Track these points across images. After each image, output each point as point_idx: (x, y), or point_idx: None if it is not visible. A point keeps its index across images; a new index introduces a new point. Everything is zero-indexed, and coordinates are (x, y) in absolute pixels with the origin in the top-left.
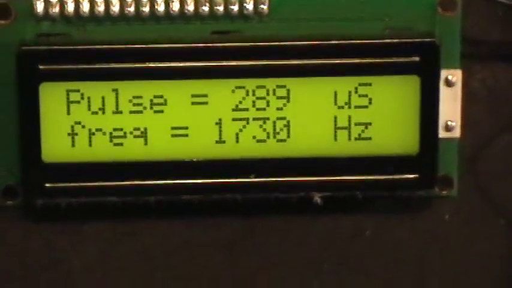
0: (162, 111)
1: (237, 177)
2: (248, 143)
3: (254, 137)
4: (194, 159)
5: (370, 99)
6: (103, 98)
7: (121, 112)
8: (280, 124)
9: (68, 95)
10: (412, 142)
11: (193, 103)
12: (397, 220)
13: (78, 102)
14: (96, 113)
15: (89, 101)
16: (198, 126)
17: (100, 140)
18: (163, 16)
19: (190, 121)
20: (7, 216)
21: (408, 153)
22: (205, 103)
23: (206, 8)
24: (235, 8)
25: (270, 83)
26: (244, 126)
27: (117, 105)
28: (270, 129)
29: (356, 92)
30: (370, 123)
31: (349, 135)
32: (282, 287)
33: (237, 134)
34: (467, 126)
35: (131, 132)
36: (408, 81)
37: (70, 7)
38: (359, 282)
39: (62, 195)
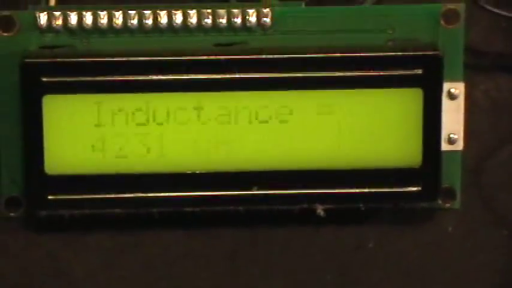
0: (165, 124)
1: (239, 189)
2: (251, 155)
3: (257, 149)
4: (197, 172)
5: (373, 112)
6: (106, 110)
7: (124, 124)
8: (282, 136)
9: (70, 107)
10: (415, 154)
11: (195, 115)
12: (400, 232)
13: (81, 114)
14: (99, 125)
15: (91, 113)
16: (200, 138)
17: (103, 152)
18: (166, 28)
19: (192, 133)
20: (10, 227)
21: (411, 165)
22: (207, 115)
23: (209, 21)
24: (238, 20)
25: (273, 95)
26: (246, 138)
27: (119, 117)
28: (272, 141)
29: (359, 104)
30: (372, 136)
31: (352, 148)
32: None
33: (239, 146)
34: (470, 137)
35: (134, 145)
36: (411, 94)
37: (73, 19)
38: None
39: (65, 206)
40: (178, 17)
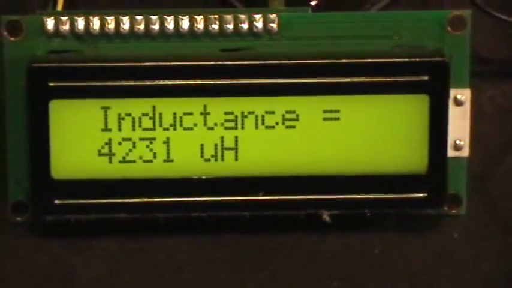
0: (172, 129)
1: (245, 195)
2: (257, 161)
3: (262, 155)
4: (203, 177)
5: (379, 118)
6: (113, 115)
7: (130, 129)
8: (289, 142)
9: (77, 112)
10: (421, 161)
11: (202, 120)
12: (406, 238)
13: (88, 119)
14: (106, 130)
15: (98, 118)
16: (207, 144)
17: (109, 157)
18: (173, 34)
19: (199, 139)
20: (16, 231)
21: (417, 172)
22: (214, 121)
23: (216, 26)
24: (245, 26)
25: (279, 101)
26: (252, 144)
27: (126, 122)
28: (278, 147)
29: (365, 110)
30: (379, 142)
31: (358, 154)
32: None
33: (245, 152)
34: (476, 143)
35: (140, 150)
36: (417, 100)
37: (80, 25)
38: None
39: (71, 211)
40: (185, 23)
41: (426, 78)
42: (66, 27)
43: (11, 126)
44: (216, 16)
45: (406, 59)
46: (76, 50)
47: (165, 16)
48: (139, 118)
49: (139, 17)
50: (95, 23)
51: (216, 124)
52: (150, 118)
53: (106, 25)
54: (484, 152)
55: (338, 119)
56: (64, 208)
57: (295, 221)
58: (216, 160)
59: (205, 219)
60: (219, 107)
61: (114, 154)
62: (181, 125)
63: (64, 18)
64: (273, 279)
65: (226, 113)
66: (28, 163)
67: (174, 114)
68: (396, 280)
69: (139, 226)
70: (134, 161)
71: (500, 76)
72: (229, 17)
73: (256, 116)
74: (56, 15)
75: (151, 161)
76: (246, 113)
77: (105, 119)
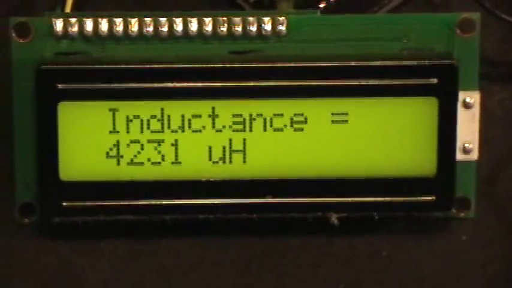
0: (180, 131)
1: (253, 198)
2: (265, 164)
3: (270, 157)
4: (211, 179)
5: (388, 121)
6: (121, 117)
7: (138, 131)
8: (297, 144)
9: (85, 114)
10: (429, 164)
11: (211, 123)
12: (414, 241)
13: (96, 121)
14: (114, 132)
15: (106, 120)
16: (215, 146)
17: (117, 159)
18: (181, 36)
19: (208, 141)
20: (24, 233)
21: (425, 175)
22: (224, 123)
23: (224, 28)
24: (254, 28)
25: (288, 103)
26: (260, 146)
27: (134, 124)
28: (287, 149)
29: (373, 113)
30: (387, 145)
31: (367, 156)
32: None
33: (253, 154)
34: (484, 146)
35: (148, 152)
36: (426, 103)
37: (89, 26)
38: None
39: (79, 213)
40: (193, 25)
41: (435, 81)
42: (75, 29)
43: (19, 128)
44: (225, 18)
45: (415, 62)
46: (84, 51)
47: (173, 18)
48: (148, 120)
49: (147, 19)
50: (104, 25)
51: (224, 126)
52: (159, 120)
53: (114, 27)
54: (493, 155)
55: (346, 121)
56: (72, 210)
57: (303, 224)
58: (224, 162)
59: (212, 222)
60: (227, 109)
61: (122, 156)
62: (189, 127)
63: (72, 20)
64: (280, 282)
65: (234, 116)
66: (36, 165)
67: (183, 116)
68: (404, 283)
69: (147, 228)
70: (142, 163)
71: (509, 79)
72: (237, 19)
73: (265, 119)
74: (65, 17)
75: (159, 163)
76: (254, 116)
77: (114, 121)
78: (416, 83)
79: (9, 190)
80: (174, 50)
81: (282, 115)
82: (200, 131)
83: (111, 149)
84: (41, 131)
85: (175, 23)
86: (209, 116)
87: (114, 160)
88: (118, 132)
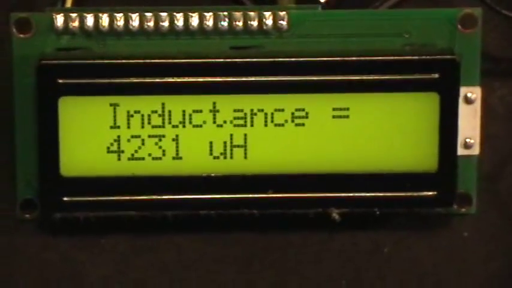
0: (181, 126)
1: (254, 193)
2: (266, 159)
3: (272, 153)
4: (212, 175)
5: (389, 116)
6: (122, 112)
7: (139, 127)
8: (298, 140)
9: (86, 109)
10: (430, 159)
11: (211, 118)
12: (415, 237)
13: (97, 116)
14: (115, 127)
15: (107, 116)
16: (216, 141)
17: (118, 154)
18: (182, 31)
19: (209, 136)
20: (25, 229)
21: (427, 170)
22: (224, 118)
23: (225, 24)
24: (255, 23)
25: (289, 99)
26: (262, 142)
27: (135, 119)
28: (288, 145)
29: (375, 108)
30: (388, 140)
31: (368, 152)
32: None
33: (255, 150)
34: (486, 142)
35: (149, 147)
36: (427, 98)
37: (90, 21)
38: None
39: (80, 209)
40: (194, 20)
41: (436, 76)
42: (75, 24)
43: (20, 124)
44: (226, 13)
45: (416, 57)
46: (85, 47)
47: (174, 13)
48: (149, 115)
49: (148, 14)
50: (104, 20)
51: (225, 122)
52: (159, 115)
53: (115, 22)
54: (494, 151)
55: (347, 117)
56: (73, 206)
57: (304, 219)
58: (225, 158)
59: (214, 217)
60: (228, 104)
61: (123, 151)
62: (190, 122)
63: (73, 15)
64: (281, 278)
65: (235, 111)
66: (37, 161)
67: (183, 111)
68: (405, 279)
69: (148, 224)
70: (143, 159)
71: (511, 75)
72: (238, 14)
73: (266, 114)
74: (65, 12)
75: (160, 159)
76: (255, 111)
77: (114, 116)
78: (418, 78)
79: (11, 186)
80: (175, 45)
81: (283, 110)
82: (201, 126)
83: (111, 144)
84: (42, 127)
85: (176, 18)
86: (210, 111)
87: (115, 155)
88: (119, 127)
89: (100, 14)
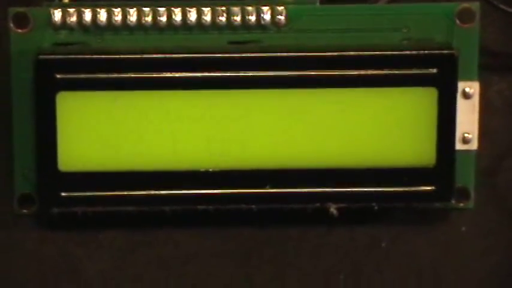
0: (179, 121)
1: (252, 188)
2: (264, 154)
3: (270, 148)
4: (210, 170)
5: (387, 111)
6: (119, 107)
7: (137, 122)
8: (296, 135)
9: (84, 104)
10: (429, 154)
11: (209, 113)
12: (414, 232)
13: (95, 111)
14: (112, 122)
15: (105, 111)
16: (214, 137)
17: (116, 149)
18: (180, 26)
19: (206, 131)
20: (23, 224)
21: (425, 165)
22: (222, 113)
23: (223, 18)
24: (253, 18)
25: (287, 93)
26: (260, 137)
27: (133, 115)
28: (286, 139)
29: (373, 103)
30: (387, 135)
31: (366, 147)
32: None
33: (253, 145)
34: (484, 137)
35: (147, 142)
36: (426, 93)
37: (87, 16)
38: None
39: (78, 204)
40: (192, 15)
41: (434, 71)
42: (73, 19)
43: (18, 119)
44: (224, 8)
45: (415, 52)
46: (83, 42)
47: (172, 8)
48: (146, 110)
49: (146, 9)
50: (102, 15)
51: (223, 116)
52: (157, 110)
53: (113, 17)
54: (492, 145)
55: (345, 111)
56: (71, 201)
57: (302, 214)
58: (222, 153)
59: (212, 212)
60: (226, 99)
61: (120, 146)
62: (188, 117)
63: (71, 10)
64: (280, 273)
65: (233, 106)
66: (35, 155)
67: (181, 106)
68: (403, 273)
69: (146, 219)
70: (141, 154)
71: (509, 69)
72: (236, 9)
73: (263, 109)
74: (63, 7)
75: (158, 154)
76: (253, 106)
77: (112, 111)
78: (416, 73)
79: (8, 181)
80: (173, 40)
81: (281, 105)
82: (199, 121)
83: (109, 139)
84: (40, 122)
85: (174, 12)
86: (208, 106)
87: (113, 150)
88: (116, 122)
89: (98, 9)
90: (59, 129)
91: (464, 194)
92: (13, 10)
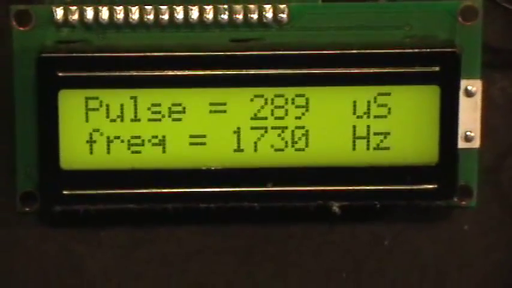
0: (180, 119)
1: (254, 186)
2: (266, 152)
3: (272, 146)
4: (212, 168)
5: (390, 109)
6: (121, 105)
7: (139, 120)
8: (298, 133)
9: (86, 102)
10: (431, 152)
11: (211, 111)
12: (416, 230)
13: (97, 109)
14: (115, 120)
15: (107, 108)
16: (216, 135)
17: (118, 147)
18: (182, 24)
19: (208, 129)
20: (25, 222)
21: (427, 163)
22: (224, 111)
23: (225, 16)
24: (255, 16)
25: (289, 91)
26: (262, 135)
27: (135, 112)
28: (288, 138)
29: (375, 101)
30: (389, 133)
31: (368, 145)
32: None
33: (255, 143)
34: (486, 135)
35: (149, 140)
36: (428, 91)
37: (89, 14)
38: None
39: (80, 202)
40: (194, 13)
41: (437, 69)
42: (75, 16)
43: (20, 117)
44: (226, 6)
45: (417, 50)
46: (85, 39)
47: (174, 6)
48: (148, 108)
49: (148, 7)
50: (104, 13)
51: (225, 114)
52: (159, 108)
53: (115, 15)
54: (495, 143)
55: (348, 109)
56: (73, 198)
57: (304, 212)
58: (225, 151)
59: (214, 210)
60: (228, 97)
61: (122, 144)
62: (190, 115)
63: (73, 7)
64: (281, 270)
65: (235, 103)
66: (37, 153)
67: (183, 104)
68: (406, 271)
69: (148, 217)
70: (143, 152)
71: (511, 67)
72: (239, 7)
73: (266, 107)
74: (65, 4)
75: (160, 152)
76: (255, 103)
77: (114, 109)
78: (418, 71)
79: (11, 179)
80: (175, 38)
81: (283, 103)
82: (201, 119)
83: (111, 137)
84: (42, 120)
85: (176, 10)
86: (210, 104)
87: (115, 148)
88: (118, 120)
89: (100, 7)
90: (61, 127)
91: (466, 192)
92: (15, 8)
